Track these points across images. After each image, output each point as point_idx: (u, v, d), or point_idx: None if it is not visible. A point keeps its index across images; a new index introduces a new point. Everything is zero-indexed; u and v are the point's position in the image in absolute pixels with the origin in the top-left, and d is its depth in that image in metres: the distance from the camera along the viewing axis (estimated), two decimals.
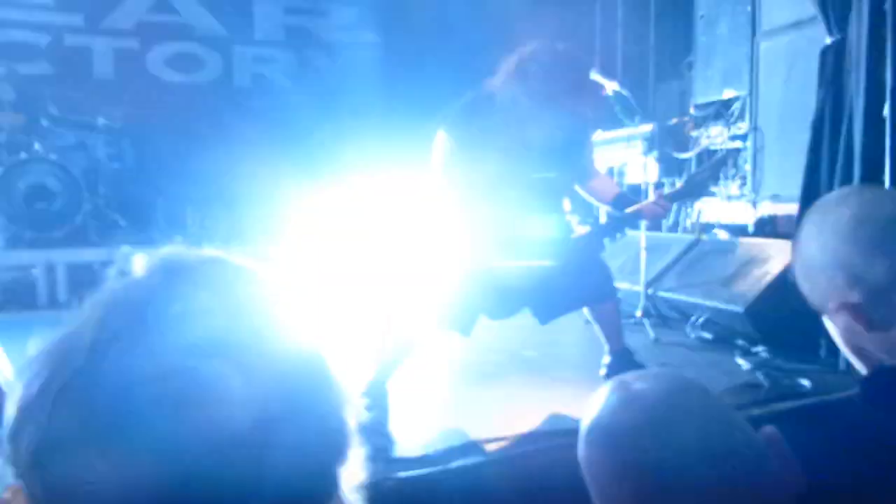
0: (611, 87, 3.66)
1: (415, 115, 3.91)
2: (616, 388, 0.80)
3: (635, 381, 0.80)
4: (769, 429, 0.78)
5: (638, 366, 3.19)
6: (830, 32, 3.60)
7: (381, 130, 5.71)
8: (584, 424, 0.79)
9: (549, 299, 2.96)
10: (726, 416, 0.78)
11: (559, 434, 2.83)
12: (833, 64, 3.56)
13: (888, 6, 3.24)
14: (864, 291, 0.97)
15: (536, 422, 2.89)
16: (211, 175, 5.88)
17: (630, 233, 4.22)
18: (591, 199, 3.08)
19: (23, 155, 5.15)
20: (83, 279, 5.18)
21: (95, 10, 6.08)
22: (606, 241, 2.96)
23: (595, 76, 5.72)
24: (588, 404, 0.81)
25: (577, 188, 3.02)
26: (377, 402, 2.85)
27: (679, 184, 2.93)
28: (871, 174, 3.32)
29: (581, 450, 0.78)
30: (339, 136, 6.18)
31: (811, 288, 1.05)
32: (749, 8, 5.11)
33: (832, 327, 1.05)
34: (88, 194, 5.41)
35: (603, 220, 2.99)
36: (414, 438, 2.76)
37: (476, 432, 2.80)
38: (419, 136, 2.97)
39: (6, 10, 5.87)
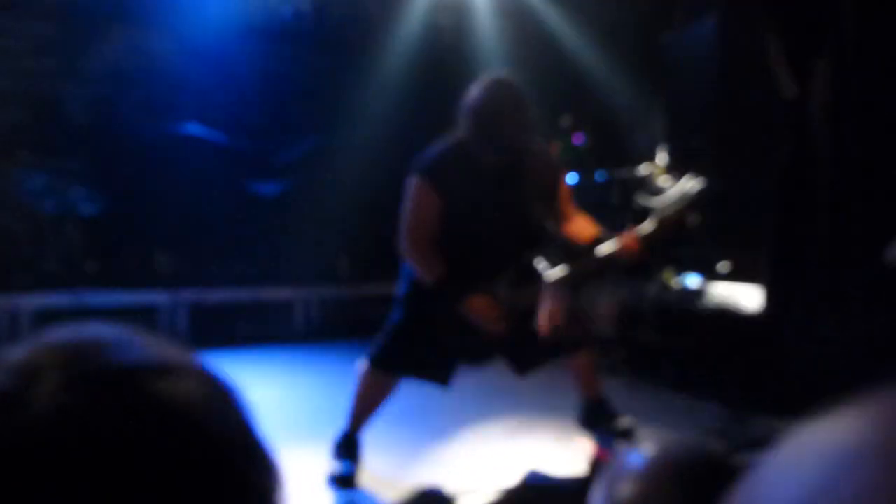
0: (581, 135, 3.70)
1: None
2: None
3: None
4: None
5: (612, 414, 3.18)
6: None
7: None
8: None
9: (523, 349, 2.93)
10: None
11: (537, 490, 2.80)
12: (797, 119, 3.68)
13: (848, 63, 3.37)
14: None
15: (513, 476, 2.85)
16: (182, 219, 5.84)
17: (604, 276, 4.25)
18: (570, 241, 3.04)
19: None
20: (48, 326, 5.06)
21: (69, 56, 6.06)
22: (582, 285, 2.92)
23: (566, 121, 5.83)
24: None
25: (556, 231, 3.00)
26: (349, 453, 2.80)
27: (651, 224, 2.89)
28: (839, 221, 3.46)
29: None
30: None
31: None
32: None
33: None
34: (56, 239, 5.33)
35: (579, 263, 2.95)
36: (386, 492, 2.71)
37: (450, 486, 2.75)
38: None
39: None
